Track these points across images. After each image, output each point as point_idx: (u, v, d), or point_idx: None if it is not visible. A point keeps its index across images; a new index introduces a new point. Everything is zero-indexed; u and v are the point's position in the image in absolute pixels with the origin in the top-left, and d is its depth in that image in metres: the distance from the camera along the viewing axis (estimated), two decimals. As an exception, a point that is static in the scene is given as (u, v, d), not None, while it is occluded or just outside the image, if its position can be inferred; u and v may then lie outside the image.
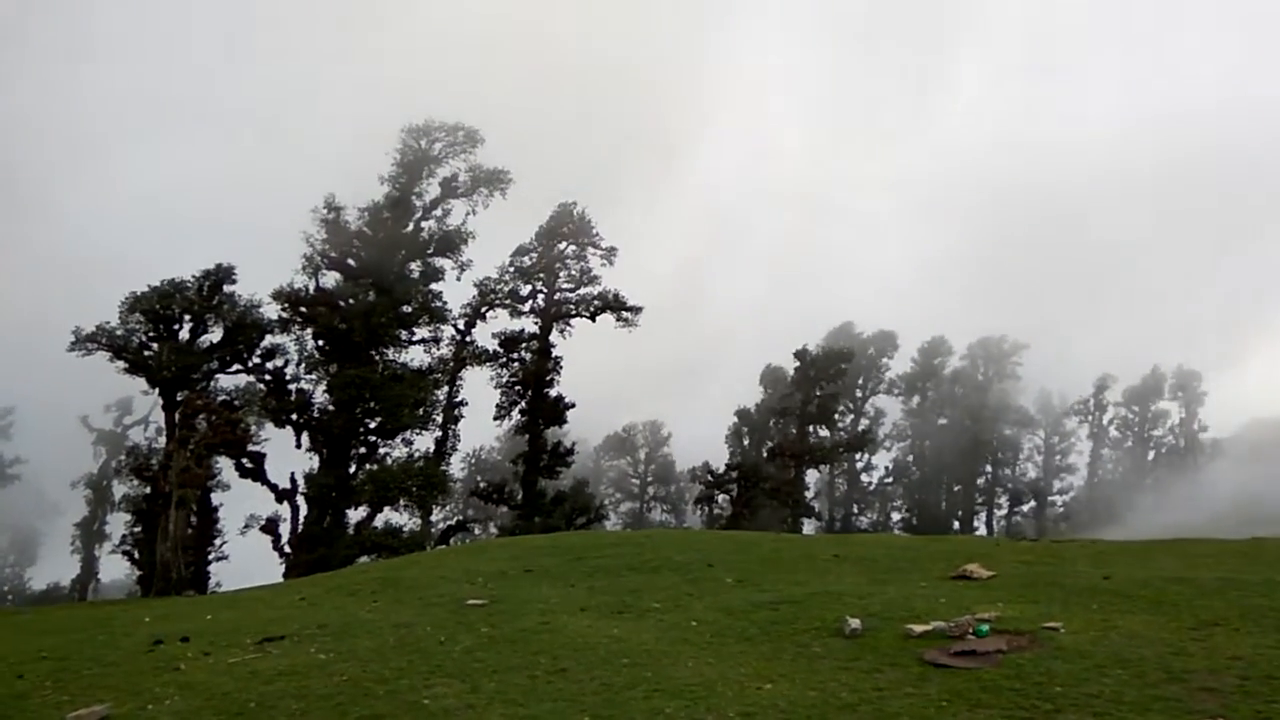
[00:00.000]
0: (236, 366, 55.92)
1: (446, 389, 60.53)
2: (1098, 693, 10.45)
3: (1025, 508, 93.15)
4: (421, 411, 58.02)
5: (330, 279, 57.77)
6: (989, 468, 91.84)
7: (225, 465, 56.30)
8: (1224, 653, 11.64)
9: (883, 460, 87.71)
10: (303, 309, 56.13)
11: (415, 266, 59.23)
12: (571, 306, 65.90)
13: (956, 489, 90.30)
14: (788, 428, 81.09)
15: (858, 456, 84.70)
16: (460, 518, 70.91)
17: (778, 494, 72.24)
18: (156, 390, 54.41)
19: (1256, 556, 20.41)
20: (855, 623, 14.40)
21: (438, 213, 59.81)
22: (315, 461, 55.00)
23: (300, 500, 54.04)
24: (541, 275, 65.78)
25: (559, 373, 64.54)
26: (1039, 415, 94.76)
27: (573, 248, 66.48)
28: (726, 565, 22.47)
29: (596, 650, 14.33)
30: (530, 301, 65.46)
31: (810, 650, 13.62)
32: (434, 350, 60.19)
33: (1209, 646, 12.02)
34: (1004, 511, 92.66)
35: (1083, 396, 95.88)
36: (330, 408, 55.60)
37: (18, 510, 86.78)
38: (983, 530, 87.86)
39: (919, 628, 13.88)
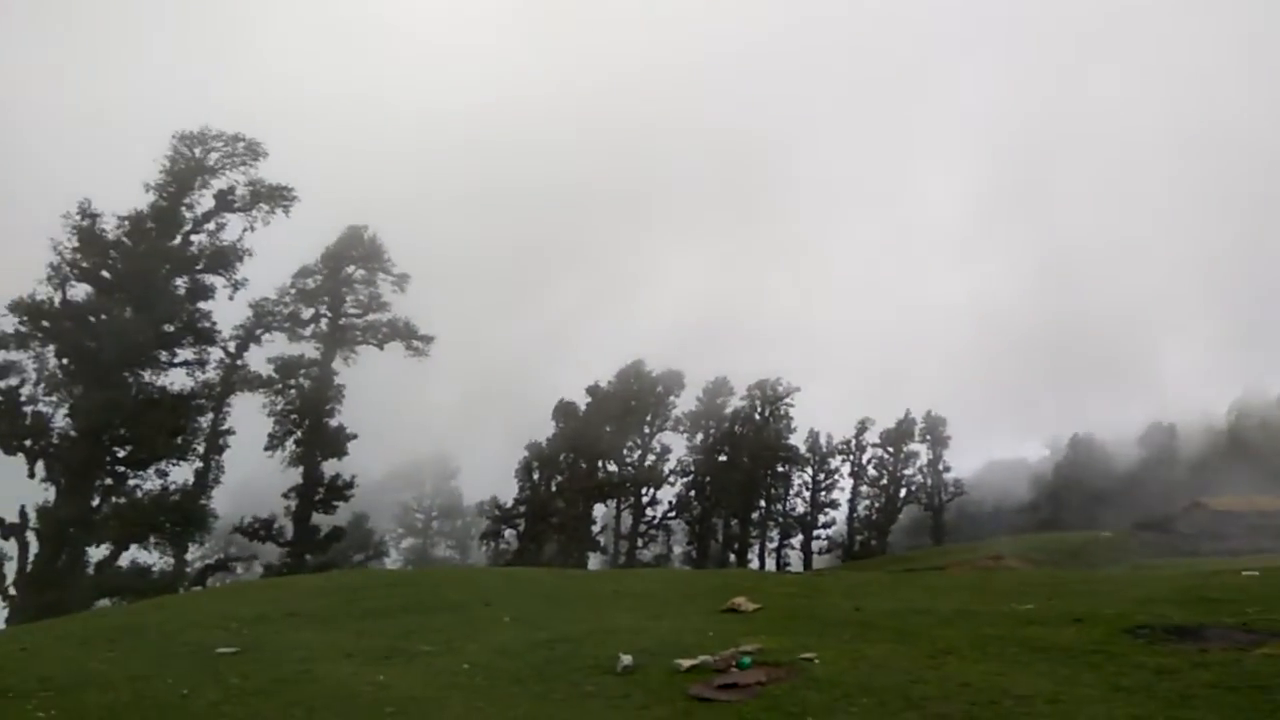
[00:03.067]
0: (-42, 384, 49.52)
1: (211, 416, 56.44)
2: (845, 721, 11.08)
3: (794, 540, 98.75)
4: (180, 440, 53.82)
5: (80, 291, 52.73)
6: (763, 502, 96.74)
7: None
8: (955, 679, 12.66)
9: (667, 495, 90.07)
10: (45, 323, 50.68)
11: (181, 282, 55.09)
12: (359, 333, 63.47)
13: (734, 522, 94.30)
14: (578, 462, 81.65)
15: (643, 491, 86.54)
16: (221, 556, 65.80)
17: (565, 528, 72.48)
18: None
19: (986, 588, 22.60)
20: (627, 659, 14.53)
21: (210, 226, 56.02)
22: (51, 493, 49.66)
23: (31, 536, 48.51)
24: (326, 299, 62.98)
25: (340, 402, 61.82)
26: (808, 454, 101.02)
27: (362, 272, 64.25)
28: (505, 604, 22.11)
29: (358, 699, 13.61)
30: (312, 326, 62.61)
31: (582, 689, 13.59)
32: (198, 374, 56.16)
33: (943, 674, 13.05)
34: (775, 545, 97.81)
35: (845, 437, 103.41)
36: (72, 433, 50.35)
37: None
38: (756, 563, 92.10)
39: (687, 662, 14.20)
